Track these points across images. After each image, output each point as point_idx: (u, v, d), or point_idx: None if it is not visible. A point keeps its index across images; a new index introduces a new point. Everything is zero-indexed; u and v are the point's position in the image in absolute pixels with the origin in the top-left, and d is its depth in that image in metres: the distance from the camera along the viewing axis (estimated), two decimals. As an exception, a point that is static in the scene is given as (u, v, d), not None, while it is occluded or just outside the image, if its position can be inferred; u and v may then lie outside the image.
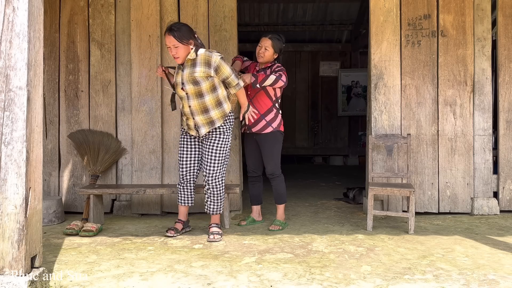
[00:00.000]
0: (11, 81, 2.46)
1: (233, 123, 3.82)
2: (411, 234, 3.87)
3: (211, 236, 3.70)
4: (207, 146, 3.74)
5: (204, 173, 3.77)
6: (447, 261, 3.15)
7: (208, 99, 3.64)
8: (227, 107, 3.75)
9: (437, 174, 4.61)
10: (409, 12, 4.61)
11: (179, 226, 3.90)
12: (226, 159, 3.79)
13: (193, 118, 3.71)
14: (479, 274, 2.89)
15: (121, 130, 4.79)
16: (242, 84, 3.75)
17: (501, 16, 4.66)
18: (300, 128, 9.92)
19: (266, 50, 4.09)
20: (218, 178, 3.75)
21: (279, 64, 4.14)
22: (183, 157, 3.85)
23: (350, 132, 9.83)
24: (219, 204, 3.83)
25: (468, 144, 4.61)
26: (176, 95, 3.80)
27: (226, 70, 3.64)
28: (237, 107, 4.07)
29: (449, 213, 4.62)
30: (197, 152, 3.85)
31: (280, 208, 4.23)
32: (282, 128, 4.19)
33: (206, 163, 3.74)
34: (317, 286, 2.69)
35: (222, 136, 3.73)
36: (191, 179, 3.88)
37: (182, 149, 3.86)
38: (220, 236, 3.72)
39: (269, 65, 4.15)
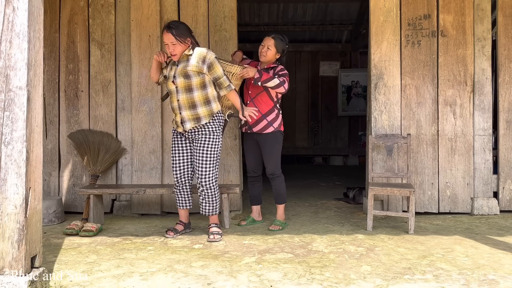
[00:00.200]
0: (11, 81, 2.46)
1: (222, 123, 3.80)
2: (411, 234, 3.87)
3: (211, 236, 3.70)
4: (197, 148, 3.73)
5: (197, 175, 3.76)
6: (447, 261, 3.15)
7: (197, 95, 3.65)
8: (216, 107, 3.74)
9: (437, 174, 4.61)
10: (409, 12, 4.60)
11: (179, 227, 3.90)
12: (217, 160, 3.77)
13: (180, 113, 3.71)
14: (479, 274, 2.89)
15: (121, 130, 4.79)
16: (233, 86, 3.76)
17: (501, 16, 4.66)
18: (300, 128, 9.92)
19: (269, 49, 4.08)
20: (211, 179, 3.74)
21: (283, 67, 4.11)
22: (175, 160, 3.85)
23: (350, 132, 9.83)
24: (214, 205, 3.82)
25: (468, 144, 4.61)
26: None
27: (219, 69, 3.66)
28: (234, 109, 4.07)
29: (449, 213, 4.62)
30: (189, 154, 3.84)
31: (280, 208, 4.23)
32: (282, 128, 4.19)
33: (197, 165, 3.73)
34: (317, 286, 2.69)
35: (211, 136, 3.72)
36: (186, 181, 3.88)
37: (174, 152, 3.85)
38: (220, 236, 3.72)
39: (273, 65, 4.12)
